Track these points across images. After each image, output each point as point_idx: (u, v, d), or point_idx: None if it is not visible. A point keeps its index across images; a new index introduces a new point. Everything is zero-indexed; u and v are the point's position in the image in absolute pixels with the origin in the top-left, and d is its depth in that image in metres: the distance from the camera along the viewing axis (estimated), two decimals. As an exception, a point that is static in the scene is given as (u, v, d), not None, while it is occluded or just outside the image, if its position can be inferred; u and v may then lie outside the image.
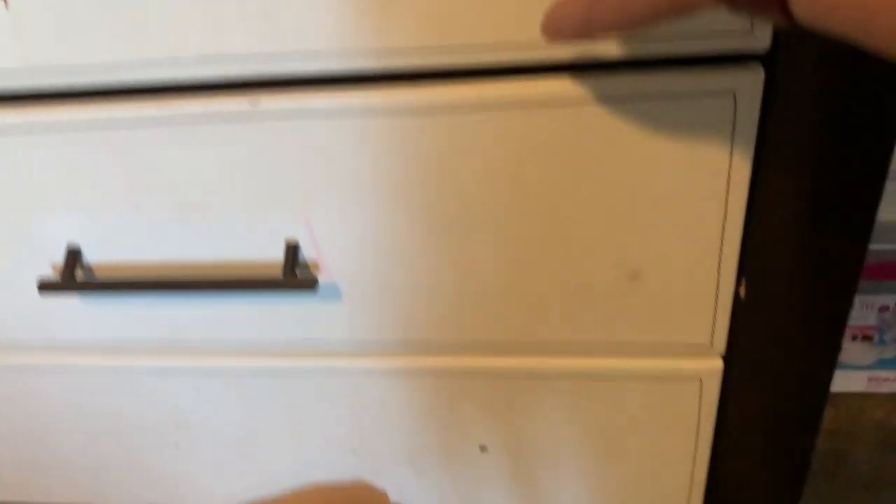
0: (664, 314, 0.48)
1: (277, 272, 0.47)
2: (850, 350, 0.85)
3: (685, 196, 0.42)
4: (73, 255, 0.49)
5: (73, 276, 0.49)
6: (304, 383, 0.56)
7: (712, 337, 0.49)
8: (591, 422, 0.55)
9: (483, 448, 0.58)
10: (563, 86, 0.39)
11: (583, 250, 0.45)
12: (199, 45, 0.39)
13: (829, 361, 0.47)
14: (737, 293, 0.47)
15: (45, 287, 0.48)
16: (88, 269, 0.50)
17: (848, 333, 0.84)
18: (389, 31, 0.38)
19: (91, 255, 0.50)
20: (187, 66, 0.40)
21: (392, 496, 0.64)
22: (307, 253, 0.48)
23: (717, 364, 0.50)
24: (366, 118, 0.41)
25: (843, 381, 0.88)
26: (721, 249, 0.44)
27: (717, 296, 0.47)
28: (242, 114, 0.41)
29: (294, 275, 0.47)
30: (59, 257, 0.50)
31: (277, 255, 0.48)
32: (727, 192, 0.42)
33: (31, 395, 0.60)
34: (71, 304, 0.53)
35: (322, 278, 0.49)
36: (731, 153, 0.40)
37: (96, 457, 0.65)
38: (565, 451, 0.57)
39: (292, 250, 0.47)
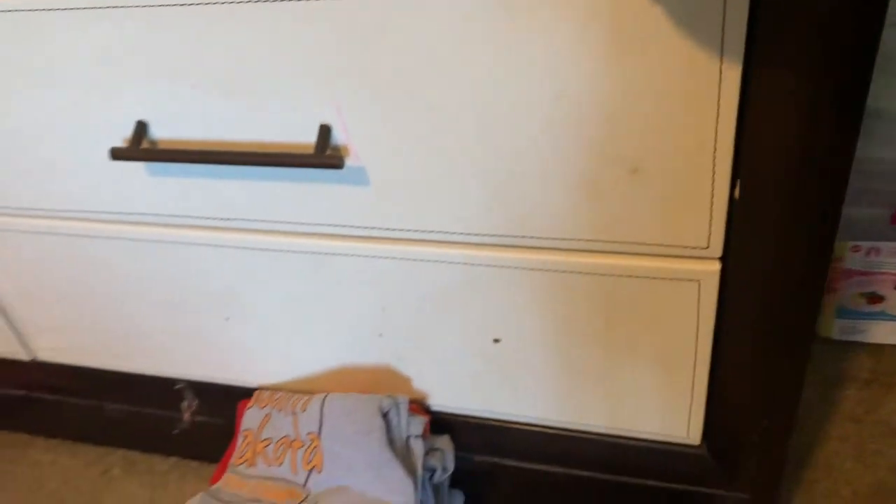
0: (664, 214, 0.51)
1: (311, 151, 0.53)
2: (892, 299, 0.85)
3: (681, 93, 0.45)
4: (141, 129, 0.56)
5: (139, 146, 0.56)
6: (336, 265, 0.62)
7: (709, 239, 0.52)
8: (600, 319, 0.58)
9: (496, 340, 0.63)
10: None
11: (588, 145, 0.49)
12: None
13: (823, 261, 0.49)
14: (731, 195, 0.49)
15: (116, 154, 0.56)
16: (153, 143, 0.57)
17: (889, 282, 0.84)
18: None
19: (156, 132, 0.57)
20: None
21: (414, 382, 0.70)
22: (339, 138, 0.53)
23: (715, 266, 0.53)
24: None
25: (884, 332, 0.88)
26: (715, 147, 0.47)
27: (712, 196, 0.49)
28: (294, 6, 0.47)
29: (324, 154, 0.52)
30: (129, 132, 0.57)
31: (313, 138, 0.54)
32: (719, 90, 0.44)
33: (105, 264, 0.69)
34: (139, 178, 0.60)
35: (350, 162, 0.54)
36: (721, 51, 0.43)
37: (158, 327, 0.73)
38: (575, 346, 0.61)
39: (325, 132, 0.52)
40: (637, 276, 0.55)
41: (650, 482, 0.68)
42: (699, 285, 0.54)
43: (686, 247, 0.52)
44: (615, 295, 0.56)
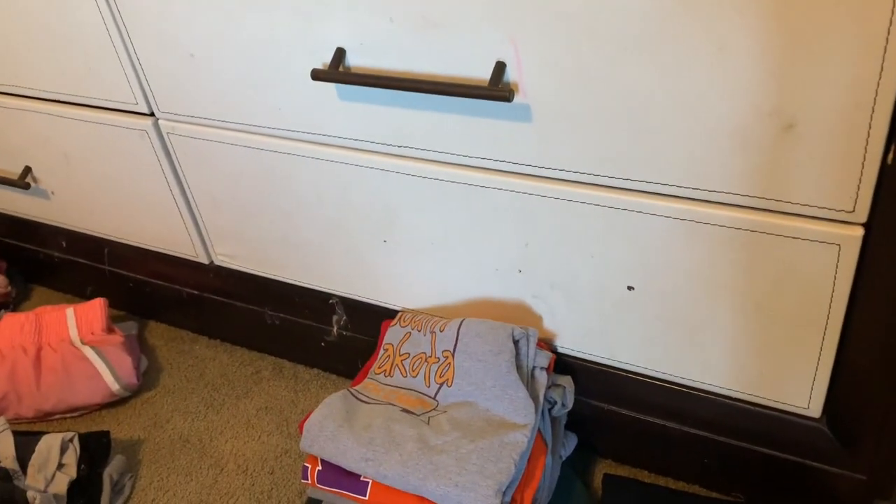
0: (812, 173, 0.53)
1: (484, 85, 0.59)
2: None
3: (843, 48, 0.47)
4: (340, 54, 0.64)
5: (338, 70, 0.64)
6: (488, 198, 0.67)
7: (855, 204, 0.53)
8: (735, 276, 0.61)
9: (630, 287, 0.67)
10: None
11: (745, 98, 0.52)
12: None
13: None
14: (884, 159, 0.50)
15: (316, 75, 0.64)
16: (347, 69, 0.65)
17: None
18: None
19: (351, 59, 0.65)
20: None
21: (545, 321, 0.75)
22: (512, 76, 0.59)
23: (858, 232, 0.54)
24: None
25: None
26: (873, 107, 0.48)
27: (864, 160, 0.51)
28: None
29: (496, 87, 0.58)
30: (328, 58, 0.65)
31: (488, 74, 0.60)
32: (885, 49, 0.46)
33: (287, 179, 0.78)
34: (330, 102, 0.69)
35: (518, 98, 0.59)
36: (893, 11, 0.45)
37: (321, 244, 0.82)
38: (707, 301, 0.64)
39: (500, 67, 0.58)
40: (778, 235, 0.57)
41: (763, 449, 0.69)
42: (839, 249, 0.55)
43: (831, 209, 0.54)
44: (753, 252, 0.59)
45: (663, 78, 0.53)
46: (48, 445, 0.81)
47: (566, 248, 0.67)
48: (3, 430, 0.82)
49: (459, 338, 0.72)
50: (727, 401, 0.69)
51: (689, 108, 0.54)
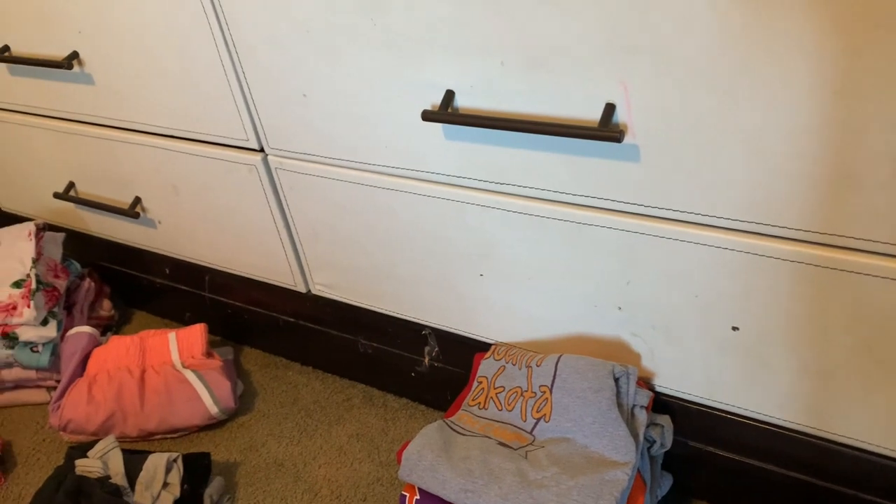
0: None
1: (594, 126, 0.60)
2: None
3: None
4: (449, 96, 0.67)
5: (447, 111, 0.66)
6: (591, 235, 0.68)
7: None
8: (842, 320, 0.60)
9: (735, 328, 0.66)
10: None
11: (857, 140, 0.52)
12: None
13: None
14: None
15: (427, 117, 0.66)
16: (455, 109, 0.68)
17: None
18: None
19: (459, 100, 0.67)
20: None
21: (644, 359, 0.75)
22: (621, 117, 0.60)
23: (981, 278, 0.53)
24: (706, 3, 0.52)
25: None
26: None
27: None
28: (597, -12, 0.55)
29: (606, 128, 0.59)
30: (436, 98, 0.68)
31: (596, 115, 0.61)
32: None
33: (388, 213, 0.80)
34: (436, 140, 0.71)
35: (627, 139, 0.61)
36: None
37: (418, 275, 0.84)
38: (813, 346, 0.63)
39: (609, 109, 0.60)
40: (886, 278, 0.56)
41: (867, 496, 0.68)
42: (961, 296, 0.54)
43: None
44: (861, 297, 0.58)
45: (776, 120, 0.54)
46: (154, 464, 0.85)
47: (669, 287, 0.67)
48: (113, 447, 0.86)
49: (557, 373, 0.72)
50: (832, 446, 0.67)
51: (801, 151, 0.54)
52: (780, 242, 0.59)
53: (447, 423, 0.76)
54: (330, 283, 0.93)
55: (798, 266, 0.59)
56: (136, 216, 1.02)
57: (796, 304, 0.61)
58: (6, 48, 0.96)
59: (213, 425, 0.99)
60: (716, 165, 0.58)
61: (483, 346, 0.83)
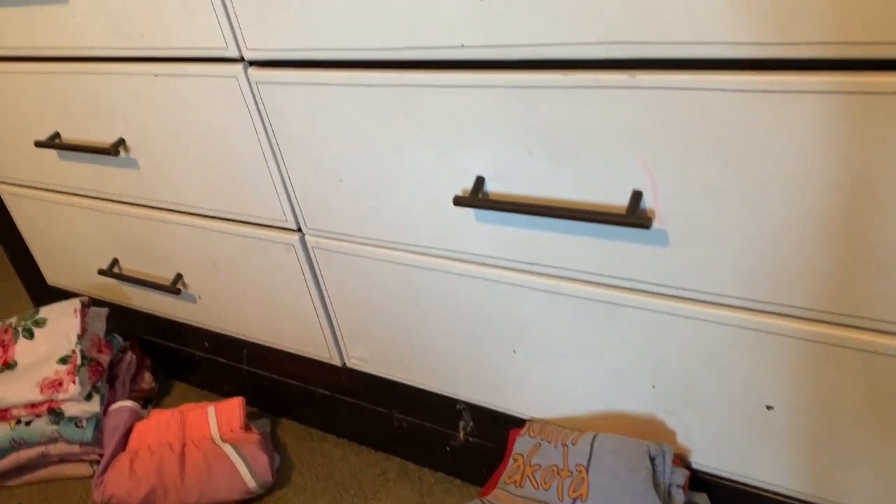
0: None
1: (622, 212, 0.62)
2: None
3: None
4: (479, 182, 0.69)
5: (477, 196, 0.69)
6: (623, 315, 0.69)
7: None
8: (872, 400, 0.60)
9: (769, 407, 0.66)
10: None
11: (883, 223, 0.52)
12: (603, 32, 0.55)
13: None
14: None
15: (458, 202, 0.69)
16: (486, 195, 0.70)
17: None
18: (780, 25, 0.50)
19: (489, 185, 0.69)
20: (590, 48, 0.57)
21: (679, 436, 0.75)
22: (648, 203, 0.62)
23: None
24: (730, 94, 0.54)
25: None
26: None
27: None
28: (622, 83, 0.57)
29: (634, 215, 0.61)
30: (468, 184, 0.70)
31: (624, 201, 0.63)
32: None
33: (421, 291, 0.82)
34: (467, 223, 0.73)
35: (655, 224, 0.62)
36: None
37: (451, 351, 0.85)
38: (847, 425, 0.62)
39: (636, 196, 0.61)
40: (930, 361, 0.56)
41: (920, 582, 0.66)
42: None
43: None
44: (890, 378, 0.58)
45: (802, 206, 0.55)
46: (194, 542, 0.85)
47: (702, 366, 0.68)
48: (154, 525, 0.87)
49: (593, 453, 0.72)
50: (877, 528, 0.66)
51: (829, 236, 0.55)
52: (811, 325, 0.60)
53: (483, 503, 0.76)
54: (365, 357, 0.95)
55: (830, 348, 0.60)
56: (177, 292, 1.05)
57: (831, 385, 0.61)
58: (56, 135, 1.01)
59: (251, 499, 1.00)
60: (744, 249, 0.59)
61: (518, 422, 0.84)
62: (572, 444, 0.75)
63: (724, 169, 0.56)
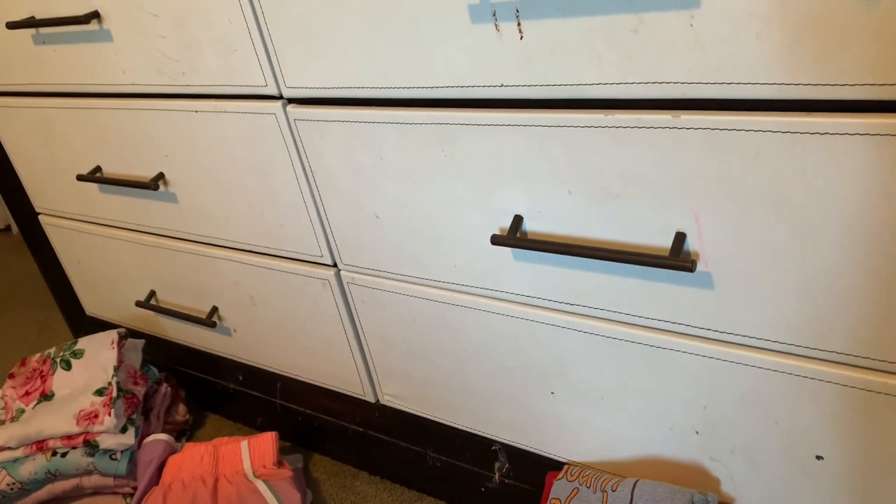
0: None
1: (665, 254, 0.60)
2: None
3: None
4: (518, 221, 0.68)
5: (515, 235, 0.68)
6: (666, 359, 0.67)
7: None
8: (938, 454, 0.57)
9: (819, 457, 0.63)
10: (946, 121, 0.46)
11: (949, 274, 0.50)
12: (648, 74, 0.54)
13: None
14: None
15: (496, 241, 0.68)
16: (524, 234, 0.69)
17: None
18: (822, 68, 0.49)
19: (527, 224, 0.68)
20: (632, 87, 0.56)
21: (723, 484, 0.72)
22: (692, 245, 0.60)
23: None
24: (779, 136, 0.52)
25: None
26: None
27: None
28: (665, 124, 0.55)
29: (678, 258, 0.59)
30: (506, 223, 0.69)
31: (666, 242, 0.61)
32: None
33: (459, 329, 0.81)
34: (505, 262, 0.72)
35: (700, 267, 0.60)
36: None
37: (488, 391, 0.83)
38: (906, 478, 0.60)
39: (680, 238, 0.59)
40: None
41: None
42: None
43: None
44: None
45: (850, 251, 0.53)
46: (225, 581, 0.84)
47: (748, 413, 0.65)
48: (186, 562, 0.86)
49: (634, 500, 0.70)
50: (937, 587, 0.63)
51: (881, 284, 0.53)
52: (863, 373, 0.57)
53: (520, 549, 0.74)
54: (399, 394, 0.94)
55: (882, 397, 0.57)
56: (213, 325, 1.05)
57: (884, 436, 0.59)
58: (98, 168, 1.03)
59: (282, 536, 0.99)
60: (792, 295, 0.57)
61: (555, 465, 0.82)
62: (612, 490, 0.72)
63: (772, 212, 0.55)
